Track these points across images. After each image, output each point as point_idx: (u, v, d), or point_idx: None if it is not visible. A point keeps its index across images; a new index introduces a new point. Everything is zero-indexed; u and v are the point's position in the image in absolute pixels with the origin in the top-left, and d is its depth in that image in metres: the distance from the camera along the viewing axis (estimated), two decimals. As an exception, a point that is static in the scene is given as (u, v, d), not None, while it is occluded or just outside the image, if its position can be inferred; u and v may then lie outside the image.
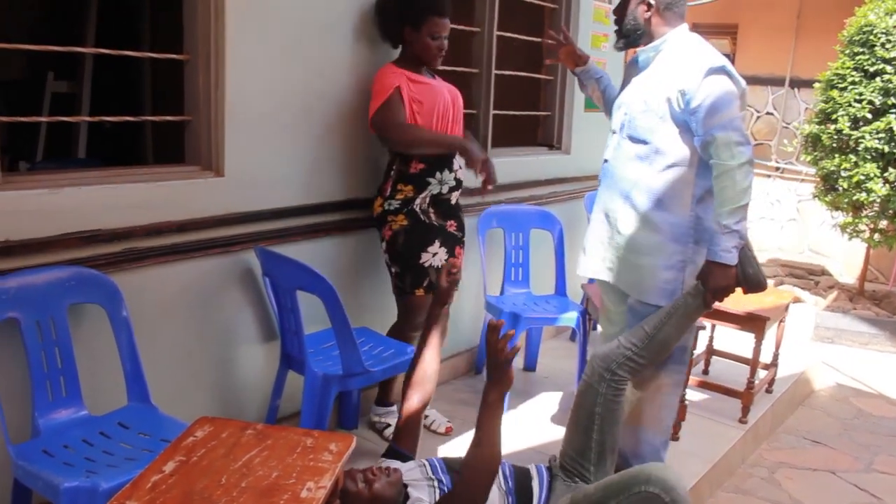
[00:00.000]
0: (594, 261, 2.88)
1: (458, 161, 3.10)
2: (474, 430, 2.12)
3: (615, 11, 2.79)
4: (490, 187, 3.10)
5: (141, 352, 2.38)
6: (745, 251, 2.54)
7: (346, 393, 3.20)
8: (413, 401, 2.46)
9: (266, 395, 2.95)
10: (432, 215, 3.06)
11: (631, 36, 2.73)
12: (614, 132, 2.78)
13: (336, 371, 2.72)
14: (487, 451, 2.10)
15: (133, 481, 1.76)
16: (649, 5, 2.64)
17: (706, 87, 2.50)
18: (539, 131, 4.60)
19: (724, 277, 2.51)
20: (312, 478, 1.85)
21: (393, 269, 3.10)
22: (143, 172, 2.60)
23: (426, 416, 3.29)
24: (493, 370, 2.10)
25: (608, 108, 2.96)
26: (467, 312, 3.92)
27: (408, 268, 3.06)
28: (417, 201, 3.03)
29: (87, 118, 4.78)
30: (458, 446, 3.21)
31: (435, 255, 3.06)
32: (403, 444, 2.43)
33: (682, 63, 2.58)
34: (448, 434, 3.32)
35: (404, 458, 2.36)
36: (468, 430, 3.33)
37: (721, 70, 2.52)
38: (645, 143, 2.64)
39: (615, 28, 2.79)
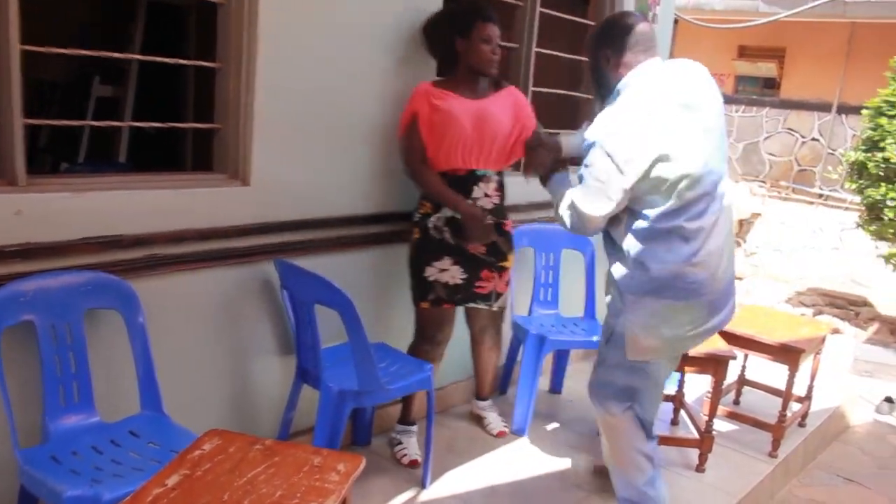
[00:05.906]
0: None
1: (483, 188, 3.06)
2: None
3: None
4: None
5: (156, 359, 2.36)
6: None
7: (360, 409, 3.15)
8: None
9: (281, 408, 2.91)
10: (446, 233, 3.03)
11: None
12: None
13: (351, 386, 2.68)
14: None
15: (134, 494, 1.73)
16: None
17: None
18: (575, 151, 4.52)
19: None
20: (317, 499, 1.81)
21: (409, 279, 3.13)
22: (168, 179, 2.60)
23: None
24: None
25: None
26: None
27: (414, 278, 3.09)
28: (433, 219, 3.03)
29: (122, 123, 4.87)
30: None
31: (443, 272, 3.04)
32: None
33: None
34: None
35: None
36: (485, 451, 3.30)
37: None
38: None
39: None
